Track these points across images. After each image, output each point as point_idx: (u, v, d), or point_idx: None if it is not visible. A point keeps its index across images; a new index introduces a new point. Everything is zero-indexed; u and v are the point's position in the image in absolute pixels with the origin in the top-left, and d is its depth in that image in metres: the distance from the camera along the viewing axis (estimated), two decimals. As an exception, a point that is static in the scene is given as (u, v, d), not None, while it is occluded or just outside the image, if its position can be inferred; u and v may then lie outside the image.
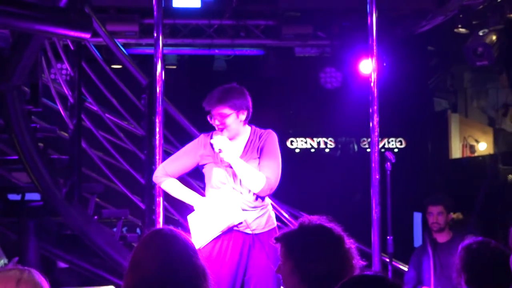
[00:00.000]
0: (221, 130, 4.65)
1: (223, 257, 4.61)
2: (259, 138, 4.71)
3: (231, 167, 4.63)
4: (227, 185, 4.64)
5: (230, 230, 4.62)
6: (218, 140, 4.60)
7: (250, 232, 4.62)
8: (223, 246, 4.62)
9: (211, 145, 4.70)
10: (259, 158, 4.65)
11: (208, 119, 4.70)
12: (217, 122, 4.65)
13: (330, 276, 2.82)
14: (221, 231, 4.60)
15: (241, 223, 4.61)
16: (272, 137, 4.72)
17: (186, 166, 4.78)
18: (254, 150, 4.67)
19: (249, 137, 4.72)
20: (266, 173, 4.60)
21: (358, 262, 2.92)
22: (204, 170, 4.77)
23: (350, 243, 2.94)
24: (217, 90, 4.70)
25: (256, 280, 4.63)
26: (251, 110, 4.73)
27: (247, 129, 4.75)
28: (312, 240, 2.90)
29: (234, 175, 4.66)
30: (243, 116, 4.69)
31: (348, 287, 2.37)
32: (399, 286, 2.38)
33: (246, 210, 4.63)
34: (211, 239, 4.61)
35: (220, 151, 4.56)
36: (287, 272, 2.89)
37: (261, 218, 4.67)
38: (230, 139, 4.69)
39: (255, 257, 4.63)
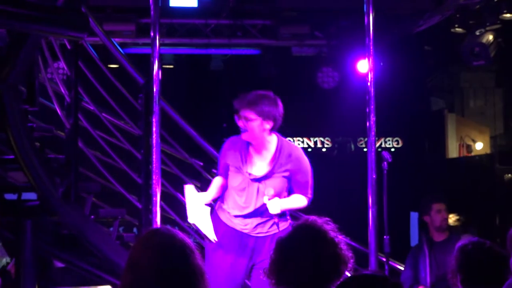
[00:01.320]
0: (243, 131, 4.82)
1: (227, 255, 4.74)
2: (287, 154, 4.86)
3: (254, 180, 4.84)
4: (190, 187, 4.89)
5: (236, 231, 4.87)
6: (274, 205, 4.74)
7: (253, 235, 4.87)
8: (229, 245, 4.85)
9: (246, 147, 4.89)
10: (289, 173, 4.85)
11: (235, 118, 4.87)
12: (241, 124, 4.82)
13: (307, 276, 2.84)
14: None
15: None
16: (302, 159, 4.94)
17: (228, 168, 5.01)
18: (282, 167, 4.85)
19: (275, 151, 4.87)
20: (305, 192, 4.93)
21: (347, 266, 2.93)
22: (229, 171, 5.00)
23: (341, 246, 2.94)
24: (251, 94, 4.88)
25: (256, 281, 4.78)
26: (279, 121, 4.87)
27: (273, 138, 4.89)
28: (293, 239, 2.94)
29: (258, 186, 4.85)
30: (267, 125, 4.82)
31: (349, 286, 2.37)
32: (400, 286, 2.38)
33: (261, 217, 4.86)
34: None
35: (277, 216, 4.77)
36: (269, 273, 2.91)
37: (267, 223, 4.87)
38: (256, 148, 4.86)
39: (256, 258, 4.84)
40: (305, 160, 4.94)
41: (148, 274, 2.56)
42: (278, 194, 4.80)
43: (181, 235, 2.67)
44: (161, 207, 5.12)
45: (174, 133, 6.25)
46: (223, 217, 4.93)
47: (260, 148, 4.86)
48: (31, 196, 5.48)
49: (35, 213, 5.32)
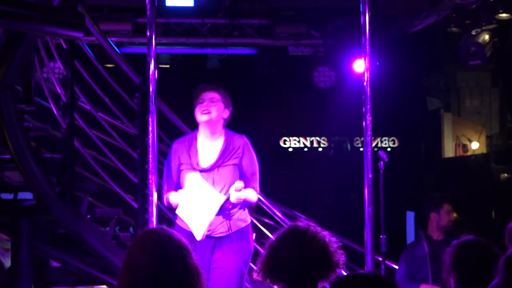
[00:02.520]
0: (206, 113, 4.88)
1: None
2: (234, 143, 4.92)
3: (205, 171, 4.84)
4: (195, 174, 4.82)
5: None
6: (238, 194, 4.75)
7: (215, 236, 4.83)
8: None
9: (191, 143, 4.93)
10: (237, 164, 4.87)
11: (197, 104, 4.95)
12: (205, 104, 4.89)
13: (300, 273, 2.91)
14: (213, 215, 4.76)
15: (225, 201, 4.78)
16: (250, 146, 4.98)
17: (178, 176, 4.97)
18: (231, 156, 4.89)
19: (224, 141, 4.94)
20: (254, 185, 4.90)
21: (338, 264, 2.99)
22: (180, 178, 4.96)
23: (331, 244, 3.02)
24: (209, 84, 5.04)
25: (215, 280, 4.79)
26: (230, 114, 5.01)
27: (223, 132, 4.98)
28: (282, 238, 3.04)
29: (210, 178, 4.84)
30: (226, 114, 4.96)
31: (344, 286, 2.38)
32: (394, 285, 2.38)
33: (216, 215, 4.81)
34: (208, 224, 4.75)
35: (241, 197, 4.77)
36: (260, 268, 3.02)
37: (226, 222, 4.84)
38: (206, 138, 4.92)
39: (217, 256, 4.83)
40: (252, 149, 4.98)
41: (145, 274, 2.56)
42: (232, 184, 4.81)
43: (177, 235, 2.67)
44: (158, 206, 5.13)
45: (170, 133, 6.25)
46: (184, 224, 4.89)
47: (211, 138, 4.93)
48: (27, 195, 5.48)
49: (31, 213, 5.31)
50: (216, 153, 4.89)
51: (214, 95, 4.91)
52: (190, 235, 4.79)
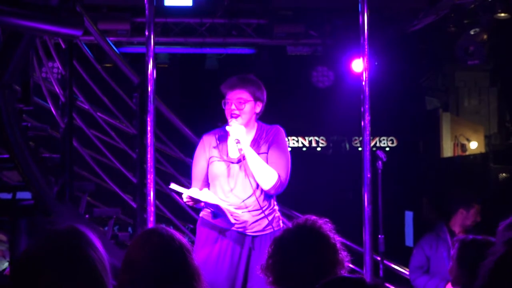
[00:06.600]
0: (235, 117, 4.59)
1: (221, 259, 4.57)
2: (266, 133, 4.68)
3: (235, 163, 4.62)
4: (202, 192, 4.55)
5: (229, 232, 4.60)
6: (236, 129, 4.53)
7: (249, 234, 4.60)
8: (222, 248, 4.58)
9: (221, 136, 4.66)
10: (266, 153, 4.63)
11: (223, 105, 4.64)
12: (233, 107, 4.59)
13: (306, 278, 2.83)
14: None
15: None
16: (281, 133, 4.73)
17: (205, 171, 4.71)
18: (261, 145, 4.65)
19: (256, 132, 4.69)
20: (277, 170, 4.61)
21: (344, 269, 2.93)
22: (209, 169, 4.71)
23: (341, 250, 2.94)
24: (237, 76, 4.70)
25: (258, 284, 4.50)
26: (264, 105, 4.74)
27: (255, 124, 4.73)
28: (295, 240, 2.92)
29: (242, 170, 4.60)
30: (258, 108, 4.70)
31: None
32: (380, 286, 2.37)
33: (250, 211, 4.60)
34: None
35: (237, 141, 4.51)
36: (266, 270, 2.91)
37: (263, 220, 4.63)
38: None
39: (256, 260, 4.55)
40: (285, 140, 4.73)
41: (145, 273, 2.56)
42: None
43: (178, 235, 2.67)
44: (156, 206, 5.13)
45: (169, 132, 6.25)
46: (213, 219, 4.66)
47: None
48: (25, 195, 5.48)
49: (30, 213, 5.31)
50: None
51: (242, 94, 4.61)
52: (220, 229, 4.61)
